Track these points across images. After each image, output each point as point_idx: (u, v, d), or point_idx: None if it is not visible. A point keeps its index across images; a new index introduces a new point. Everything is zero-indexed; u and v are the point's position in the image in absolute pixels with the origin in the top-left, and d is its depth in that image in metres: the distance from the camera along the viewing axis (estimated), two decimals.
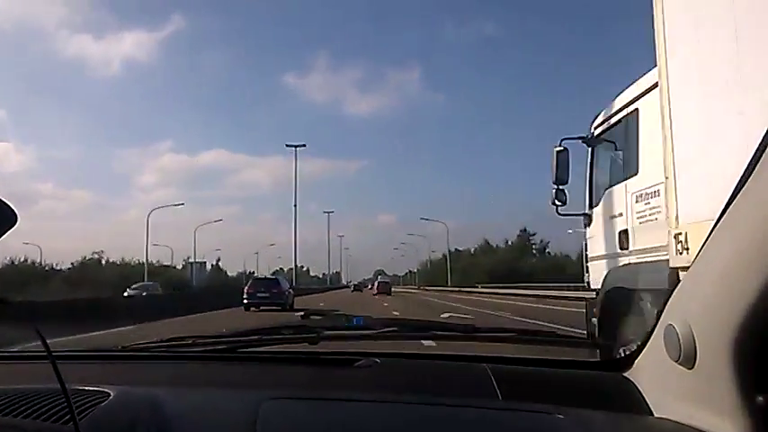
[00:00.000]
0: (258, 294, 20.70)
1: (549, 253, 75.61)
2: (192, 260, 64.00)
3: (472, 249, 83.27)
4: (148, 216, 48.96)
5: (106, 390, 0.85)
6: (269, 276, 27.67)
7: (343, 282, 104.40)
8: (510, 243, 77.76)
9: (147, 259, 50.52)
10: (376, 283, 56.45)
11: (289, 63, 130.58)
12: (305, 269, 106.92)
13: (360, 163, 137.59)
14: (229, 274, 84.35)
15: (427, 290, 64.12)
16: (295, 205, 54.77)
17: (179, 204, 62.22)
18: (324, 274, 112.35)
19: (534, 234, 77.23)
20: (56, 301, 17.13)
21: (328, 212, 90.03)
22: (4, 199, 0.69)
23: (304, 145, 57.70)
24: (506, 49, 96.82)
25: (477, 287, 52.05)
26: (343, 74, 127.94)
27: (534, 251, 77.43)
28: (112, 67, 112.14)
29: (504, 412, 1.00)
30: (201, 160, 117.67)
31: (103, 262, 60.03)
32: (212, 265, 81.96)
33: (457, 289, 54.80)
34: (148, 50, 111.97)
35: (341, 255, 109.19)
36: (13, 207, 0.70)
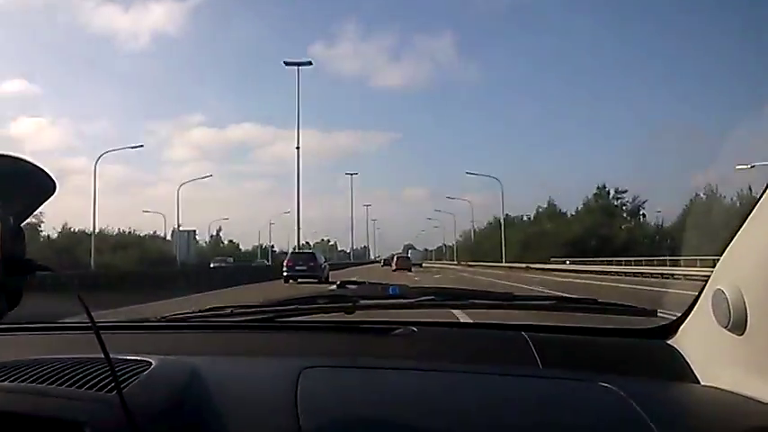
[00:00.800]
0: (297, 267, 22.03)
1: (643, 215, 54.72)
2: (179, 229, 53.70)
3: (531, 215, 63.18)
4: (178, 189, 49.25)
5: (147, 359, 0.87)
6: (306, 251, 28.89)
7: (371, 257, 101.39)
8: (583, 205, 56.15)
9: (178, 229, 50.50)
10: (395, 258, 46.20)
11: (317, 32, 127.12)
12: (331, 243, 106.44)
13: (390, 135, 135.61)
14: (243, 248, 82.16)
15: (471, 266, 53.00)
16: (298, 147, 43.52)
17: (206, 177, 60.91)
18: (354, 248, 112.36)
19: (625, 191, 54.38)
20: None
21: (351, 174, 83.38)
22: (43, 167, 0.69)
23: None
24: (541, 17, 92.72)
25: (566, 262, 37.67)
26: (373, 42, 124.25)
27: (625, 214, 54.92)
28: (141, 39, 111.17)
29: (545, 380, 0.99)
30: (231, 134, 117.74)
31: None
32: (212, 237, 77.42)
33: (521, 266, 39.48)
34: (176, 21, 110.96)
35: (367, 228, 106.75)
36: (52, 176, 0.70)
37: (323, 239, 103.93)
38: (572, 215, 57.60)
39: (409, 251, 71.31)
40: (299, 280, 21.47)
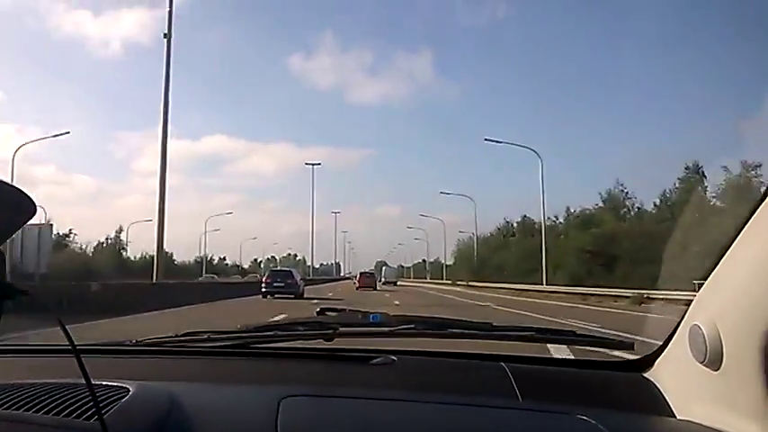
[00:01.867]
0: (275, 284, 23.20)
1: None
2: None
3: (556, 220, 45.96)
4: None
5: (125, 385, 0.85)
6: (284, 269, 29.91)
7: (343, 273, 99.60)
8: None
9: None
10: (357, 275, 42.07)
11: (294, 44, 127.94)
12: (298, 258, 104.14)
13: (365, 152, 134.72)
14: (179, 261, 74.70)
15: (476, 287, 39.43)
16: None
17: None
18: (322, 264, 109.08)
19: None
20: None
21: (335, 212, 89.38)
22: (23, 190, 0.68)
23: (319, 164, 57.56)
24: (519, 34, 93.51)
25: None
26: (351, 57, 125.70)
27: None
28: (112, 46, 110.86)
29: (523, 412, 0.99)
30: (204, 146, 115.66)
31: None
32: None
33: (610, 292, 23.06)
34: (148, 30, 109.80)
35: (335, 241, 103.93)
36: (32, 198, 0.70)
37: (289, 254, 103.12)
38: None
39: (383, 268, 68.69)
40: (276, 296, 22.36)
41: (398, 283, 56.94)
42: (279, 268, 31.92)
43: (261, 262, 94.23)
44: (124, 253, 56.66)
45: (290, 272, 26.11)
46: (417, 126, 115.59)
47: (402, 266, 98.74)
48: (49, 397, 0.77)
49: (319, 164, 59.70)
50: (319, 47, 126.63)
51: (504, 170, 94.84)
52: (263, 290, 23.10)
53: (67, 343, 0.69)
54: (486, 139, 39.70)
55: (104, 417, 0.70)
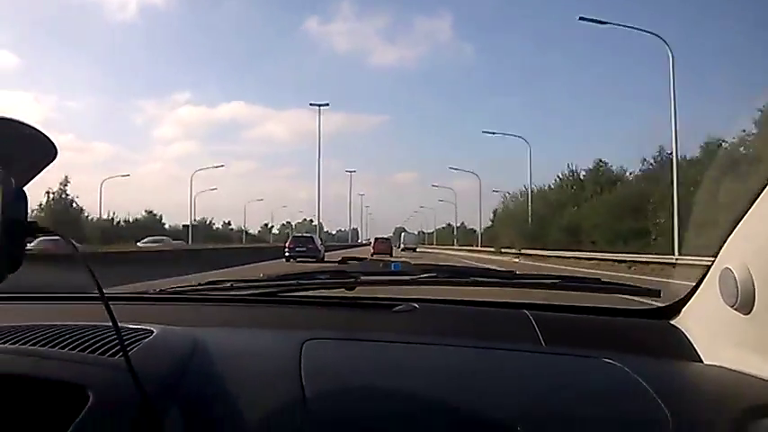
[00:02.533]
0: (297, 248, 25.11)
1: None
2: None
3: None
4: (191, 177, 48.69)
5: (149, 327, 0.86)
6: (305, 234, 31.80)
7: (362, 240, 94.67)
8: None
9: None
10: (373, 240, 40.42)
11: (310, 8, 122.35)
12: (314, 223, 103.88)
13: (382, 117, 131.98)
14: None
15: (542, 256, 28.05)
16: (318, 168, 53.25)
17: (219, 166, 59.23)
18: (339, 230, 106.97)
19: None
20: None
21: (350, 171, 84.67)
22: (44, 132, 0.68)
23: (327, 104, 53.78)
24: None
25: None
26: (369, 20, 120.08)
27: None
28: (128, 11, 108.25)
29: (547, 356, 0.99)
30: (221, 113, 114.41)
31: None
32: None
33: None
34: None
35: (361, 212, 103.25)
36: (53, 140, 0.69)
37: (305, 219, 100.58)
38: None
39: (402, 234, 64.94)
40: (299, 259, 24.00)
41: (418, 250, 53.79)
42: (300, 234, 33.42)
43: (271, 227, 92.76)
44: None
45: (312, 237, 28.20)
46: (434, 90, 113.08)
47: (423, 232, 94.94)
48: (75, 336, 0.78)
49: (327, 104, 54.89)
50: (336, 10, 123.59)
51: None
52: (287, 254, 24.74)
53: (94, 290, 0.70)
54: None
55: (129, 354, 0.70)
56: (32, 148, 0.69)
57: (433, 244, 77.57)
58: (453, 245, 63.07)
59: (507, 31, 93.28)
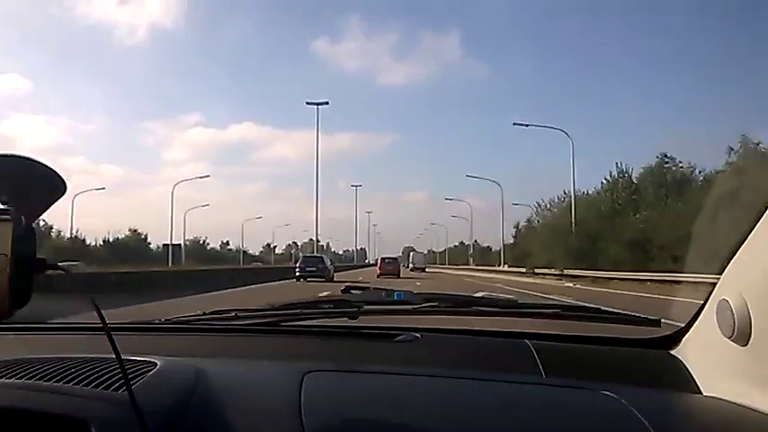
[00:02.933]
0: (308, 268, 26.14)
1: None
2: None
3: None
4: (172, 190, 47.12)
5: (152, 359, 0.87)
6: (316, 255, 33.55)
7: (369, 260, 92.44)
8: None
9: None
10: (379, 261, 37.66)
11: (320, 28, 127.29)
12: (320, 243, 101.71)
13: (391, 137, 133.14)
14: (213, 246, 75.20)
15: (599, 278, 24.00)
16: (317, 175, 49.19)
17: (204, 177, 56.93)
18: (345, 250, 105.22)
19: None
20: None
21: (356, 186, 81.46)
22: (54, 168, 0.70)
23: (327, 102, 50.82)
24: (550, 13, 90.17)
25: None
26: (377, 39, 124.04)
27: None
28: (138, 33, 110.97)
29: (547, 388, 0.99)
30: (231, 134, 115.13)
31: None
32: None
33: None
34: (173, 15, 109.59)
35: (368, 231, 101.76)
36: (62, 176, 0.71)
37: (310, 240, 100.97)
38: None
39: (411, 253, 61.85)
40: (308, 279, 25.15)
41: (428, 270, 51.09)
42: (311, 254, 34.84)
43: (274, 247, 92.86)
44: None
45: (321, 258, 29.44)
46: (444, 109, 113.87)
47: (433, 251, 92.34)
48: (79, 369, 0.79)
49: (327, 103, 51.45)
50: (345, 30, 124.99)
51: (534, 151, 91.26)
52: (297, 273, 25.87)
53: (98, 321, 0.71)
54: (514, 124, 34.81)
55: (132, 387, 0.71)
56: (42, 185, 0.71)
57: (444, 264, 74.22)
58: (469, 264, 58.79)
59: (515, 47, 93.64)
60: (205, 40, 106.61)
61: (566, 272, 27.74)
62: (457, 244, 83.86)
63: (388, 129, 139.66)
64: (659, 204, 29.79)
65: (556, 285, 23.04)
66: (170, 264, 43.19)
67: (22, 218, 0.65)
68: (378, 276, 30.47)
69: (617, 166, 36.37)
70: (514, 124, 36.36)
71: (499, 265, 45.56)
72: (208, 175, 70.04)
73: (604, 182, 36.50)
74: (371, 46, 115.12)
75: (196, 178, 56.13)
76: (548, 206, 41.31)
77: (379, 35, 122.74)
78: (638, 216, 29.87)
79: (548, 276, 29.18)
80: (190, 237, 64.77)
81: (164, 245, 51.37)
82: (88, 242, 52.11)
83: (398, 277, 31.03)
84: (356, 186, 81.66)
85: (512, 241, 51.61)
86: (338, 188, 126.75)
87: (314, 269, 26.02)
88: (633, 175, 35.22)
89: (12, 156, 0.68)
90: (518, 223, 52.89)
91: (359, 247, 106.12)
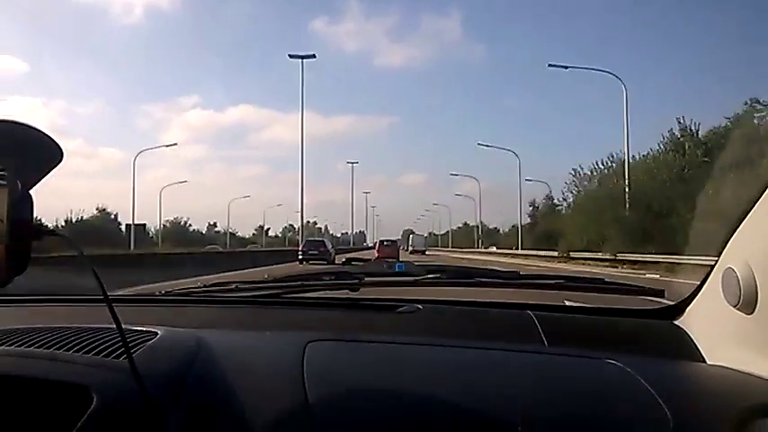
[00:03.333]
0: (310, 251, 27.41)
1: None
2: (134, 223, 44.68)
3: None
4: (160, 193, 45.51)
5: (153, 329, 0.87)
6: (317, 239, 34.82)
7: (368, 243, 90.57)
8: None
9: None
10: (377, 243, 36.74)
11: (318, 8, 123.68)
12: (318, 226, 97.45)
13: (390, 119, 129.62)
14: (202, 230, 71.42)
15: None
16: (302, 145, 43.53)
17: (182, 182, 56.92)
18: (344, 233, 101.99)
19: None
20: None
21: (352, 163, 78.16)
22: (51, 135, 0.69)
23: (313, 55, 44.27)
24: None
25: None
26: (377, 20, 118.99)
27: None
28: (134, 13, 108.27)
29: (550, 357, 0.99)
30: (228, 116, 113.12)
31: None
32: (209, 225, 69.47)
33: None
34: None
35: (366, 213, 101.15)
36: (59, 144, 0.70)
37: (308, 222, 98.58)
38: None
39: (410, 236, 60.36)
40: (311, 261, 26.03)
41: (429, 253, 49.34)
42: (313, 238, 35.72)
43: (268, 229, 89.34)
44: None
45: (323, 241, 30.92)
46: (443, 91, 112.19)
47: (434, 234, 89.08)
48: (80, 338, 0.79)
49: (313, 56, 44.55)
50: (345, 10, 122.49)
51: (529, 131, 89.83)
52: (300, 257, 26.98)
53: (96, 292, 0.71)
54: (550, 65, 29.87)
55: (133, 355, 0.71)
56: (38, 152, 0.70)
57: (447, 246, 69.86)
58: (476, 247, 53.27)
59: (517, 28, 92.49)
60: (202, 20, 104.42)
61: (620, 256, 21.85)
62: (460, 225, 79.14)
63: (388, 111, 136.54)
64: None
65: (629, 275, 16.37)
66: (132, 246, 39.26)
67: (19, 183, 0.64)
68: (376, 259, 29.49)
69: (679, 124, 28.35)
70: (550, 65, 30.13)
71: (516, 248, 38.62)
72: (175, 144, 68.20)
73: (661, 144, 28.53)
74: (371, 27, 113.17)
75: (162, 146, 52.32)
76: (592, 173, 32.56)
77: (379, 16, 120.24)
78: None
79: (591, 262, 22.93)
80: (170, 217, 62.73)
81: (126, 225, 47.61)
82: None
83: (398, 260, 30.21)
84: (352, 163, 78.76)
85: (528, 221, 45.96)
86: (337, 171, 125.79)
87: (316, 252, 27.31)
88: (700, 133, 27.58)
89: (7, 121, 0.67)
90: (534, 200, 47.18)
91: (357, 230, 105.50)
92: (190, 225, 67.37)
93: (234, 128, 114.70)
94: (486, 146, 47.29)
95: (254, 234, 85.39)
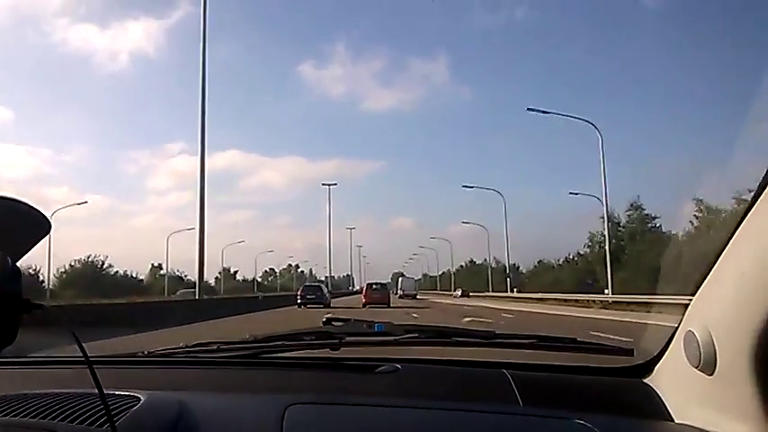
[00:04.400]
0: (308, 296, 28.98)
1: None
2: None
3: None
4: (168, 239, 44.43)
5: (136, 394, 0.88)
6: (314, 284, 37.00)
7: (355, 286, 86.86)
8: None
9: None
10: (364, 289, 32.84)
11: (304, 53, 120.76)
12: (300, 269, 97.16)
13: (379, 163, 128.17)
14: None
15: None
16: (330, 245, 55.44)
17: (191, 229, 51.27)
18: (327, 277, 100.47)
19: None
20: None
21: (350, 228, 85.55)
22: (37, 207, 0.72)
23: (335, 184, 54.50)
24: (540, 37, 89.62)
25: None
26: (364, 65, 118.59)
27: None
28: (119, 60, 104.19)
29: (524, 418, 1.01)
30: (216, 161, 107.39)
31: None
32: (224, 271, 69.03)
33: None
34: (155, 41, 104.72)
35: (351, 255, 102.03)
36: (46, 215, 0.73)
37: (289, 265, 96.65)
38: None
39: (399, 279, 55.40)
40: (309, 305, 27.13)
41: (427, 299, 44.87)
42: (310, 284, 37.85)
43: (235, 272, 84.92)
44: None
45: (320, 286, 33.14)
46: (431, 134, 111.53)
47: (429, 276, 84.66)
48: (62, 405, 0.80)
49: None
50: (331, 54, 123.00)
51: (524, 174, 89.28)
52: (299, 301, 28.65)
53: (81, 355, 0.72)
54: (529, 109, 33.69)
55: (116, 424, 0.72)
56: (26, 225, 0.73)
57: (439, 289, 63.63)
58: (489, 290, 47.40)
59: (502, 71, 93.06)
60: (188, 66, 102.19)
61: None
62: (463, 264, 73.17)
63: (376, 155, 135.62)
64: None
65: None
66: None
67: (8, 258, 0.66)
68: (364, 306, 26.98)
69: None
70: (529, 110, 34.01)
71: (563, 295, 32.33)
72: (193, 228, 65.97)
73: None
74: (358, 71, 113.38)
75: (186, 230, 49.76)
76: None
77: (366, 60, 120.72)
78: None
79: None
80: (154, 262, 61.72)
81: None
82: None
83: (388, 306, 27.06)
84: (350, 229, 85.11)
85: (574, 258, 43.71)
86: (323, 214, 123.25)
87: (313, 296, 29.03)
88: None
89: None
90: (591, 235, 43.14)
91: (344, 274, 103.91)
92: (183, 271, 64.64)
93: (222, 173, 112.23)
94: (471, 187, 49.31)
95: (216, 279, 77.07)
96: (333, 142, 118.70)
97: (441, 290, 65.91)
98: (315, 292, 29.65)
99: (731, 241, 0.91)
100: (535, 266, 50.06)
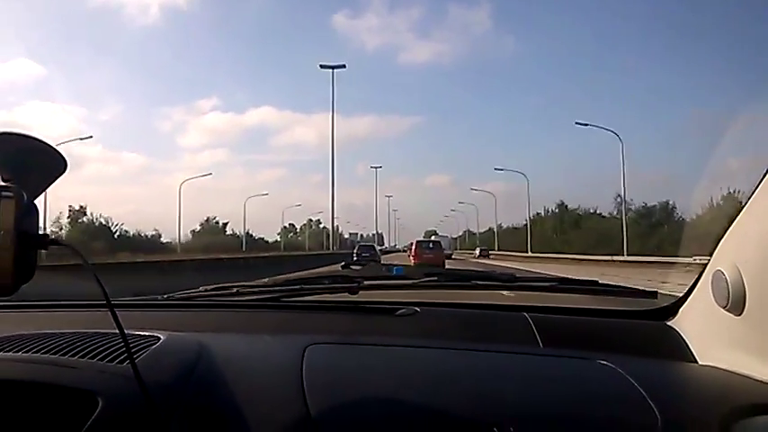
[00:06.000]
0: (363, 254, 32.92)
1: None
2: None
3: None
4: (180, 186, 43.93)
5: (156, 334, 0.89)
6: (368, 243, 43.61)
7: (386, 245, 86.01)
8: None
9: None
10: (413, 245, 30.35)
11: (339, 2, 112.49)
12: (322, 226, 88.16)
13: (414, 119, 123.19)
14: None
15: None
16: (332, 149, 46.91)
17: (207, 174, 52.32)
18: (361, 235, 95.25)
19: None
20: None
21: (376, 167, 76.50)
22: (54, 146, 0.71)
23: (344, 66, 46.10)
24: None
25: None
26: (401, 14, 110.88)
27: None
28: (150, 13, 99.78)
29: (545, 358, 1.00)
30: (249, 118, 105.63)
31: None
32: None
33: None
34: None
35: (388, 216, 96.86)
36: (63, 154, 0.72)
37: (310, 220, 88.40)
38: None
39: (432, 236, 51.23)
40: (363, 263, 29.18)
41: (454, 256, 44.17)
42: (365, 243, 44.42)
43: (297, 229, 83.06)
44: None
45: (373, 246, 39.95)
46: (470, 89, 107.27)
47: (454, 237, 78.37)
48: (84, 343, 0.81)
49: (344, 66, 46.07)
50: (367, 3, 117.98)
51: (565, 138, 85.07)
52: (355, 258, 30.33)
53: (100, 298, 0.72)
54: (577, 123, 37.30)
55: (136, 361, 0.73)
56: (42, 162, 0.71)
57: (494, 250, 58.35)
58: (525, 252, 44.93)
59: (550, 20, 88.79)
60: (221, 19, 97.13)
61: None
62: (484, 230, 71.28)
63: (412, 110, 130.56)
64: None
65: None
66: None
67: (25, 194, 0.66)
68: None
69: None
70: (576, 123, 37.84)
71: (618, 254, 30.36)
72: (210, 173, 66.51)
73: None
74: (394, 21, 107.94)
75: (199, 176, 50.01)
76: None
77: (403, 9, 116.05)
78: None
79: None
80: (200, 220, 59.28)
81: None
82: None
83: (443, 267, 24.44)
84: (376, 168, 76.22)
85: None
86: (357, 172, 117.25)
87: (368, 254, 32.91)
88: None
89: (11, 133, 0.68)
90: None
91: (374, 232, 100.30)
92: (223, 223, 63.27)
93: (254, 130, 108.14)
94: (501, 170, 52.67)
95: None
96: (367, 97, 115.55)
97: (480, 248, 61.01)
98: (368, 251, 34.66)
99: (763, 181, 0.87)
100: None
